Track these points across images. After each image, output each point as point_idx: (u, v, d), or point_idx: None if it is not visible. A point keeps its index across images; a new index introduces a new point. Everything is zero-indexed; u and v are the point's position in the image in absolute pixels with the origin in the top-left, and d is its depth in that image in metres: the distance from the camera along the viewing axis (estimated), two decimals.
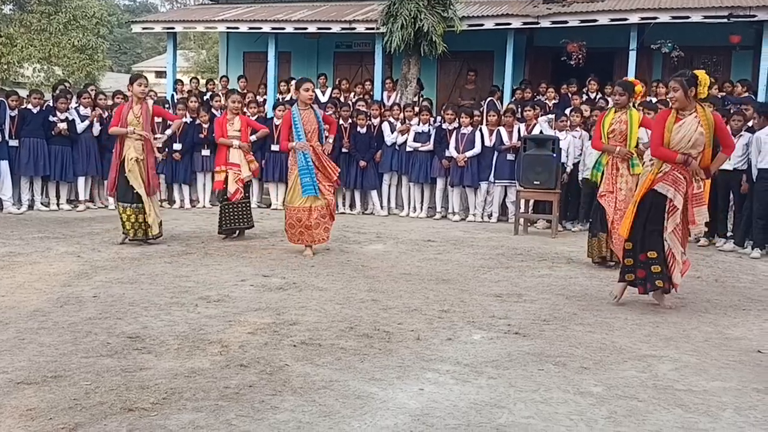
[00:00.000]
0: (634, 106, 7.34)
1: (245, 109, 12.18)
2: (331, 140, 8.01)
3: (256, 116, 11.97)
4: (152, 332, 4.76)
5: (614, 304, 5.87)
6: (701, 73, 5.64)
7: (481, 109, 12.22)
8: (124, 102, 8.98)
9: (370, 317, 5.27)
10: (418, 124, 11.34)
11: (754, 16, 11.94)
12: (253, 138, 9.22)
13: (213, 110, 12.37)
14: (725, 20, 12.12)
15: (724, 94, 11.43)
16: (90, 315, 5.14)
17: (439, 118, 11.76)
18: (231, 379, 3.91)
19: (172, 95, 14.26)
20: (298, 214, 7.60)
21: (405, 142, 11.30)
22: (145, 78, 8.30)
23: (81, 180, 11.17)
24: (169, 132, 8.16)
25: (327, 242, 7.85)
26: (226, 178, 8.57)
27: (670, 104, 5.73)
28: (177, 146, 11.53)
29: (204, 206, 11.71)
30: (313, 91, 7.72)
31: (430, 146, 11.17)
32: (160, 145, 8.23)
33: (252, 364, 4.17)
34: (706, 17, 12.22)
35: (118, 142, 8.08)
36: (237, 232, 8.75)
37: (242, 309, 5.42)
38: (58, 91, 11.53)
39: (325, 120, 7.95)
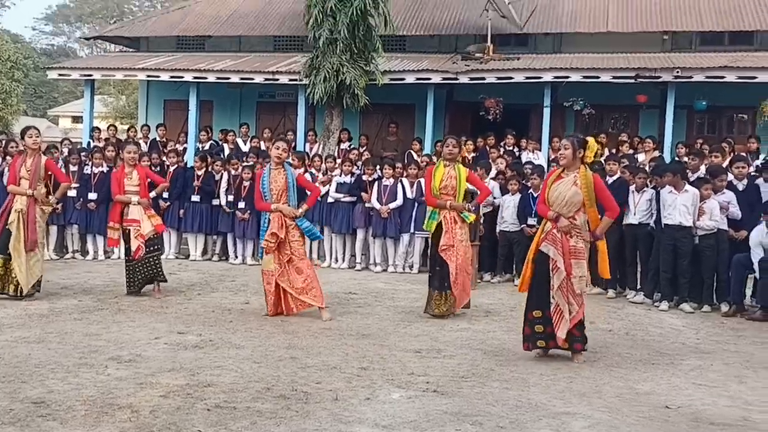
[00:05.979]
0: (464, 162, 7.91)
1: (164, 158, 12.03)
2: (304, 208, 7.47)
3: (176, 165, 11.81)
4: (58, 397, 4.55)
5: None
6: (591, 140, 6.06)
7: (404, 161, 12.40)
8: (18, 153, 8.75)
9: (288, 377, 5.19)
10: (340, 175, 11.41)
11: (659, 77, 12.68)
12: (152, 194, 8.93)
13: None
14: (632, 80, 12.81)
15: (632, 151, 11.99)
16: None
17: (357, 170, 11.85)
18: None
19: (89, 143, 13.94)
20: (267, 278, 7.35)
21: (327, 193, 11.33)
22: (37, 129, 8.09)
23: None
24: (53, 199, 7.96)
25: (294, 311, 7.40)
26: (125, 234, 8.28)
27: (559, 161, 6.10)
28: (92, 196, 11.24)
29: (119, 257, 11.35)
30: (284, 151, 7.37)
31: (351, 197, 11.23)
32: (50, 208, 8.07)
33: (163, 431, 4.03)
34: (614, 77, 12.91)
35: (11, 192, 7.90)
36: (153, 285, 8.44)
37: (155, 369, 5.25)
38: None
39: (302, 184, 7.69)
